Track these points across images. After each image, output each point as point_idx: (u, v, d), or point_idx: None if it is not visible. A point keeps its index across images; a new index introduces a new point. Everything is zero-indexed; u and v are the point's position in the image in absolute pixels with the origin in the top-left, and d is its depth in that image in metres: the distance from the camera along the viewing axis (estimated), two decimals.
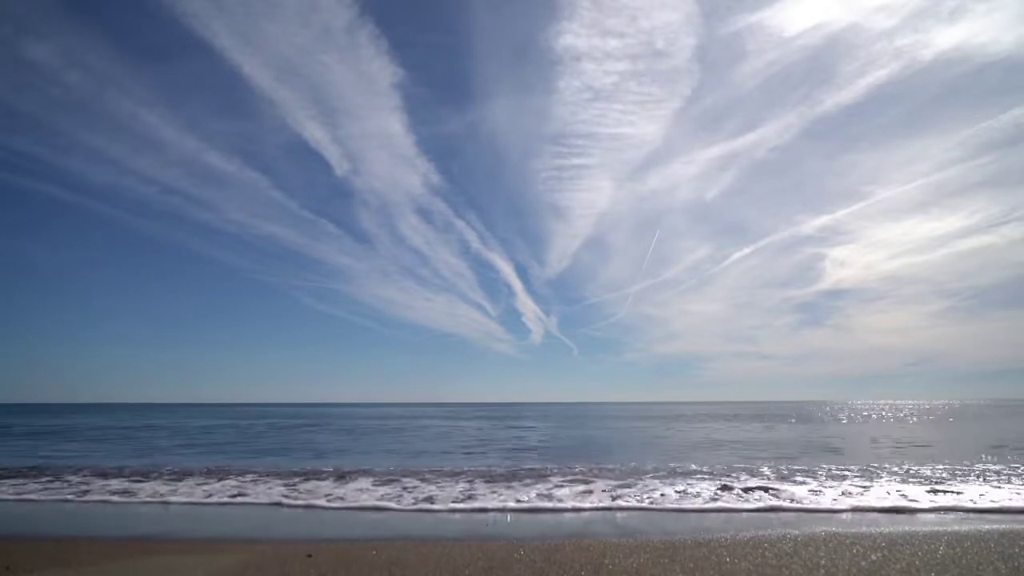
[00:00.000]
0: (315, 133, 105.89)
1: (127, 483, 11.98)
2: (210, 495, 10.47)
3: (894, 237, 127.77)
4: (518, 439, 24.71)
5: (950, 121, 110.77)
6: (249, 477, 12.66)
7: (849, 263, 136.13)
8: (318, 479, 12.31)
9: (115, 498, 10.37)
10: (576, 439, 24.86)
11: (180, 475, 13.21)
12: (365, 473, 13.23)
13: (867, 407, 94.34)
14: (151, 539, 7.30)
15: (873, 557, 5.96)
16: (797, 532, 7.23)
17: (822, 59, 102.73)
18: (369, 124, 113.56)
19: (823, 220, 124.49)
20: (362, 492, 10.66)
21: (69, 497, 10.44)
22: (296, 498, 10.10)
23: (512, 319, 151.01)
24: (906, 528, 7.50)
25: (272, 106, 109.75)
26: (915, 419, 44.41)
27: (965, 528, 7.44)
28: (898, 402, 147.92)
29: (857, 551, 6.19)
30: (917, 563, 5.69)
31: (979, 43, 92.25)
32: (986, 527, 7.48)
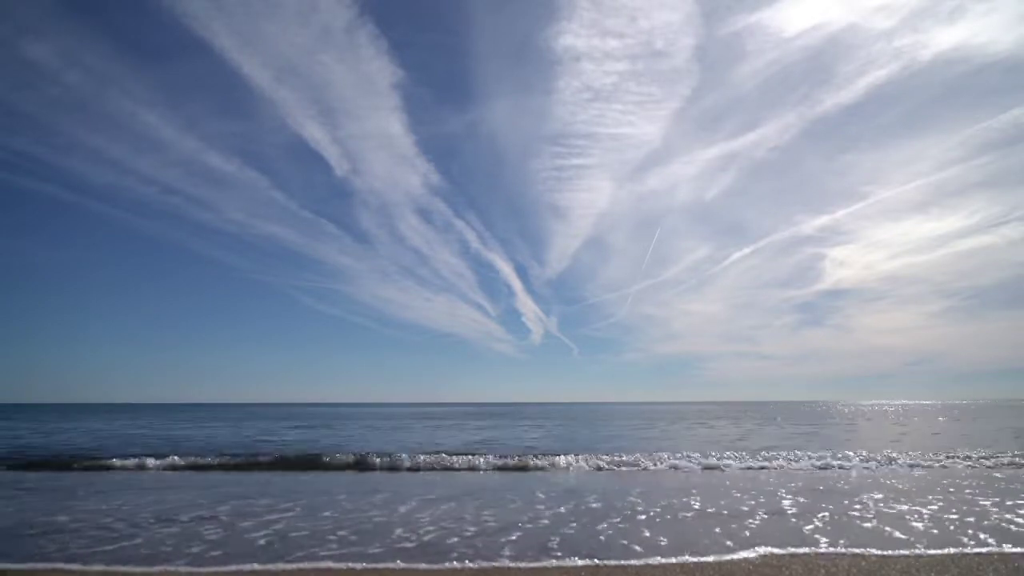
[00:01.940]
0: (315, 133, 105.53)
1: None
2: None
3: (894, 237, 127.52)
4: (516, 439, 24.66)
5: (950, 121, 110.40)
6: None
7: (849, 263, 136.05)
8: None
9: None
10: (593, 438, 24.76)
11: None
12: None
13: (878, 406, 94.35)
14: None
15: (873, 557, 5.93)
16: None
17: (822, 59, 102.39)
18: (369, 124, 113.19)
19: (823, 220, 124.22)
20: None
21: None
22: None
23: (512, 319, 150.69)
24: None
25: (272, 106, 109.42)
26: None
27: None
28: (903, 402, 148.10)
29: (858, 551, 6.15)
30: (918, 564, 5.66)
31: (979, 43, 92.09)
32: None
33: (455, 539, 6.89)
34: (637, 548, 6.40)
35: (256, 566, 5.76)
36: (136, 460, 15.13)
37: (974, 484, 11.34)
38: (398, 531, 7.32)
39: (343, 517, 8.23)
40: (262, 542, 6.77)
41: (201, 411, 77.54)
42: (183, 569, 5.73)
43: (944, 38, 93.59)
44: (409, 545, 6.63)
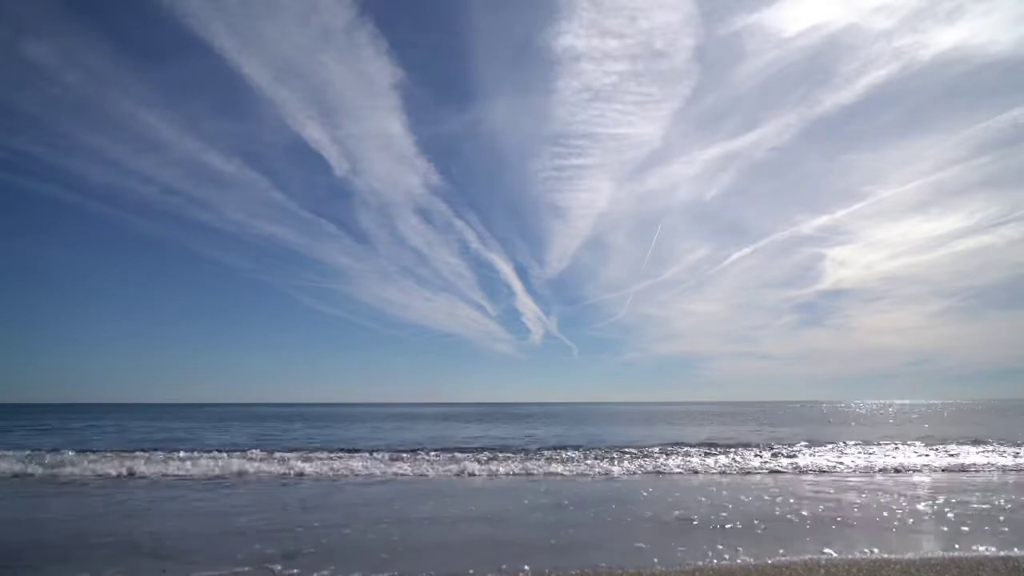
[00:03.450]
0: (315, 133, 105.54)
1: None
2: None
3: (894, 237, 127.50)
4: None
5: (949, 121, 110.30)
6: None
7: (849, 263, 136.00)
8: None
9: None
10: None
11: None
12: None
13: (878, 406, 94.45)
14: None
15: (872, 558, 6.00)
16: None
17: (821, 59, 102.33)
18: (369, 124, 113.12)
19: (823, 220, 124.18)
20: None
21: None
22: None
23: (512, 319, 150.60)
24: None
25: (272, 106, 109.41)
26: None
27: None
28: (903, 401, 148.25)
29: (856, 553, 6.22)
30: (917, 563, 5.73)
31: (978, 43, 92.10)
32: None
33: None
34: (630, 553, 6.47)
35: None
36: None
37: (974, 485, 11.40)
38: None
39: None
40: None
41: (201, 412, 77.57)
42: None
43: (944, 38, 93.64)
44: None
